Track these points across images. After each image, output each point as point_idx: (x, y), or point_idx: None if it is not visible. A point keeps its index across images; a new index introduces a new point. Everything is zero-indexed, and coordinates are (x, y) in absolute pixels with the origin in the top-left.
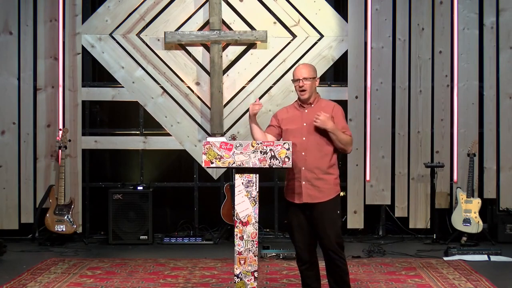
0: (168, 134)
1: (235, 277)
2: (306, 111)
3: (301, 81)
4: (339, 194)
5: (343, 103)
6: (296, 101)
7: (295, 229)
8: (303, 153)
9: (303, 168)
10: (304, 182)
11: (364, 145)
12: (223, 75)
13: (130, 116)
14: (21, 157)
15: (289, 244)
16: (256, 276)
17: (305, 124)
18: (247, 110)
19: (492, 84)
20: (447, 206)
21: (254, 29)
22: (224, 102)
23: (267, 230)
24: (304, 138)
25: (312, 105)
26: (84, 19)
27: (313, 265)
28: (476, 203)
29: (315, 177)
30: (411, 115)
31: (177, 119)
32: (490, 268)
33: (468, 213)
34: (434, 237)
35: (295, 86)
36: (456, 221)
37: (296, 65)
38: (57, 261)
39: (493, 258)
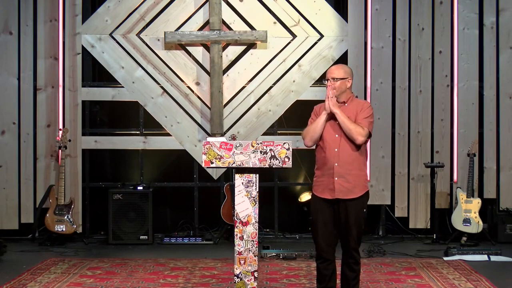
0: (168, 134)
1: (235, 277)
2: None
3: (329, 81)
4: (368, 191)
5: None
6: None
7: (319, 225)
8: (336, 150)
9: (336, 164)
10: (337, 178)
11: None
12: (223, 75)
13: (130, 116)
14: (21, 157)
15: (289, 244)
16: (256, 276)
17: (338, 122)
18: (247, 110)
19: (492, 84)
20: (447, 206)
21: (254, 29)
22: (224, 102)
23: (267, 230)
24: (337, 135)
25: (346, 104)
26: (84, 19)
27: (332, 263)
28: (476, 203)
29: (348, 173)
30: (411, 115)
31: (177, 119)
32: (490, 268)
33: (468, 213)
34: (434, 237)
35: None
36: (456, 221)
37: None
38: (57, 261)
39: (493, 258)
